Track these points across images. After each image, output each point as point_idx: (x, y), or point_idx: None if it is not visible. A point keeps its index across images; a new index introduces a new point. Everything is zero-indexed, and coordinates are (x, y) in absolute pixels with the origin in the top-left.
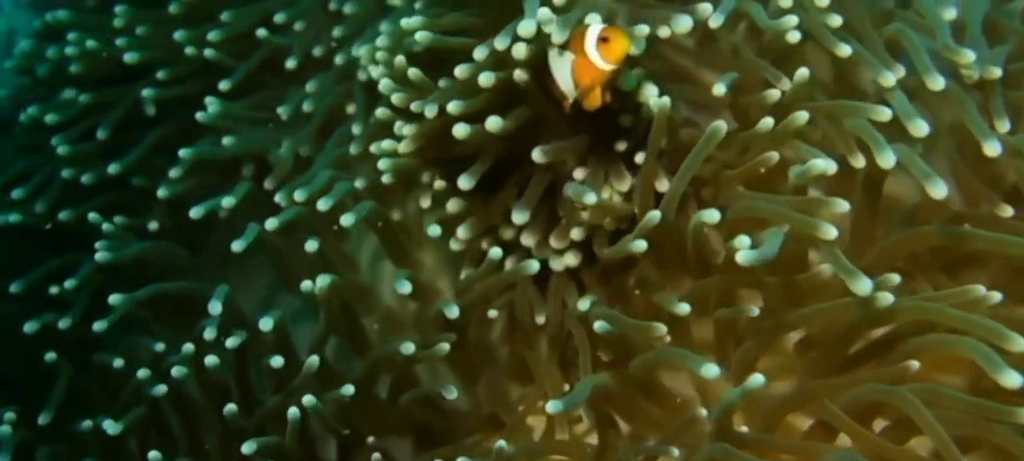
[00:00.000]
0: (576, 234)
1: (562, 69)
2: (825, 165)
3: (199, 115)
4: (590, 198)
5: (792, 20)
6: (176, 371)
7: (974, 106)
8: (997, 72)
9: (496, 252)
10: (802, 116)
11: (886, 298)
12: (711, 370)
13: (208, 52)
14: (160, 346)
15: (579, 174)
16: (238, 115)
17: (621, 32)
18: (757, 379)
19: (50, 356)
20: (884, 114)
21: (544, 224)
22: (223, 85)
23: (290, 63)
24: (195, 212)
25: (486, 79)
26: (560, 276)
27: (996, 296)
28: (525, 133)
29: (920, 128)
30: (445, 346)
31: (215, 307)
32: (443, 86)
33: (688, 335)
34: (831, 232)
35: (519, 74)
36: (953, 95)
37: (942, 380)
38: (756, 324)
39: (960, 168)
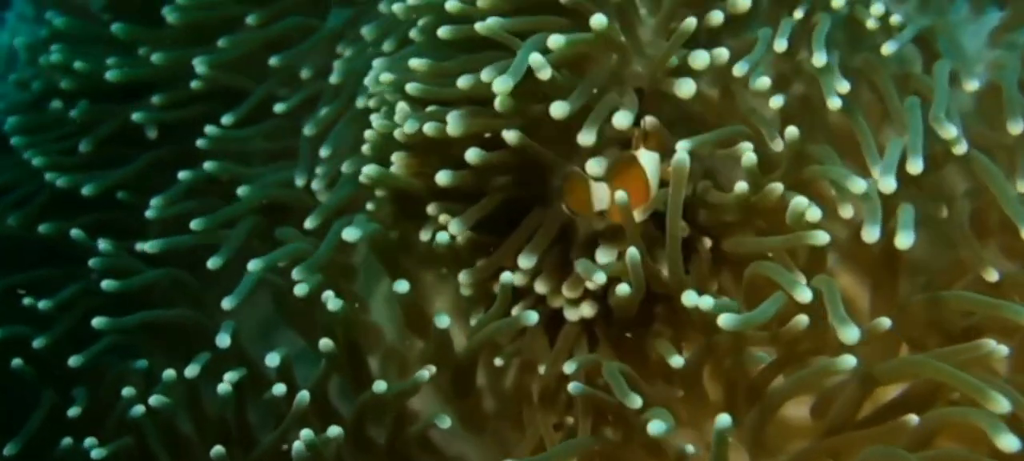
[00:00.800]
0: (591, 283)
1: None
2: (807, 205)
3: (207, 166)
4: (600, 278)
5: (766, 81)
6: (154, 400)
7: (1004, 180)
8: None
9: (507, 277)
10: (751, 158)
11: (849, 361)
12: (658, 426)
13: (201, 70)
14: (142, 363)
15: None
16: (242, 150)
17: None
18: (723, 420)
19: (17, 362)
20: (860, 186)
21: (558, 271)
22: (226, 119)
23: (308, 130)
24: (151, 246)
25: (454, 124)
26: (573, 326)
27: (1003, 350)
28: (538, 174)
29: (888, 185)
30: (424, 374)
31: (223, 340)
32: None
33: (701, 391)
34: (806, 295)
35: (511, 135)
36: (978, 164)
37: (954, 446)
38: (765, 380)
39: (967, 234)
